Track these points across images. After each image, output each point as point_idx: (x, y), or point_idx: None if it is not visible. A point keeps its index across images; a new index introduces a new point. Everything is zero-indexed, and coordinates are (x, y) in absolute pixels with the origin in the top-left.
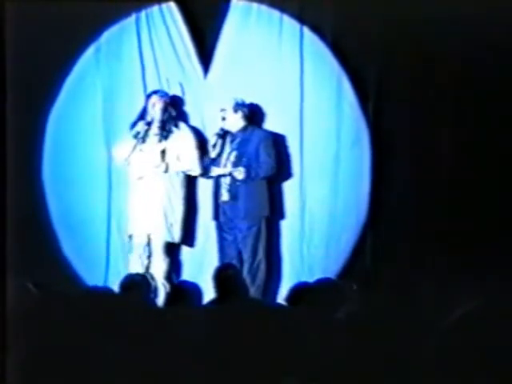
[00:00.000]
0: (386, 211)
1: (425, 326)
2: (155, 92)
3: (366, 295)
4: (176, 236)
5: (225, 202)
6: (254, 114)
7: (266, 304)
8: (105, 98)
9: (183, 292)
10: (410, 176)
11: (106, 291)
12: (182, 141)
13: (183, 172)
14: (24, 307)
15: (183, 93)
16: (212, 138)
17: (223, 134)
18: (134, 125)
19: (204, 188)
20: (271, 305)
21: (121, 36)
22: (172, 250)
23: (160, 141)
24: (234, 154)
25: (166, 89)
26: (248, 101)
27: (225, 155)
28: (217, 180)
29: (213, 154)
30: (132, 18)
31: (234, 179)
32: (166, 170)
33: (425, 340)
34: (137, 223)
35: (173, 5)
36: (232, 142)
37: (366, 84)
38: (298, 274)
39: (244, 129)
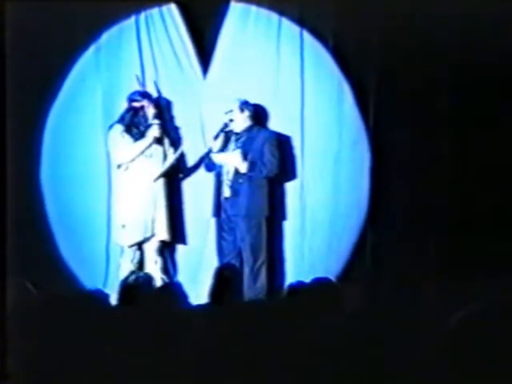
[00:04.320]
0: (386, 211)
1: (425, 327)
2: (143, 95)
3: (367, 295)
4: (170, 235)
5: (226, 199)
6: (258, 115)
7: (263, 304)
8: (104, 99)
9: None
10: (409, 176)
11: (105, 291)
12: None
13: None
14: (24, 307)
15: (158, 91)
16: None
17: (227, 130)
18: (128, 128)
19: (204, 186)
20: (268, 305)
21: (120, 37)
22: (165, 250)
23: (158, 143)
24: (238, 151)
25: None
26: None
27: (229, 152)
28: (218, 177)
29: (214, 147)
30: (132, 19)
31: (236, 176)
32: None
33: (425, 340)
34: (143, 227)
35: (173, 6)
36: (237, 140)
37: (365, 86)
38: (300, 273)
39: (249, 128)
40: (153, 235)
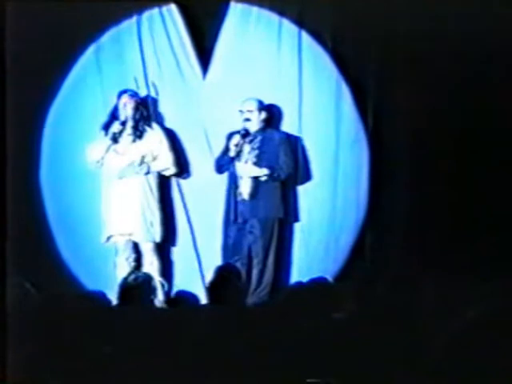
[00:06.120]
0: (385, 211)
1: (425, 327)
2: (125, 91)
3: (365, 295)
4: (157, 236)
5: (243, 201)
6: (273, 115)
7: (261, 306)
8: (104, 99)
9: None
10: (409, 176)
11: (105, 291)
12: (155, 141)
13: (158, 172)
14: (24, 307)
15: (157, 93)
16: (235, 137)
17: (245, 134)
18: (106, 125)
19: (207, 186)
20: (266, 304)
21: (121, 37)
22: (163, 249)
23: (134, 141)
24: (254, 153)
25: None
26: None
27: (245, 154)
28: (234, 179)
29: (232, 152)
30: (132, 19)
31: (254, 178)
32: (148, 172)
33: (425, 340)
34: (115, 224)
35: (173, 7)
36: (251, 141)
37: (364, 86)
38: (297, 274)
39: (263, 129)
40: (124, 234)
